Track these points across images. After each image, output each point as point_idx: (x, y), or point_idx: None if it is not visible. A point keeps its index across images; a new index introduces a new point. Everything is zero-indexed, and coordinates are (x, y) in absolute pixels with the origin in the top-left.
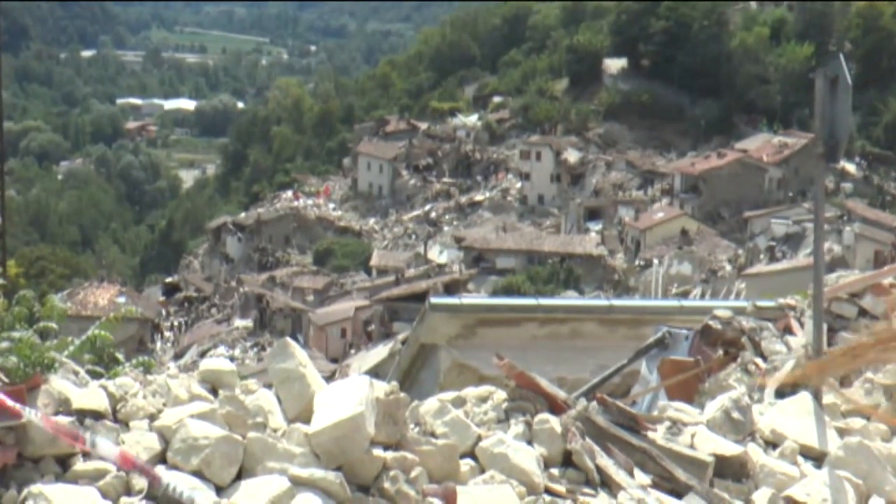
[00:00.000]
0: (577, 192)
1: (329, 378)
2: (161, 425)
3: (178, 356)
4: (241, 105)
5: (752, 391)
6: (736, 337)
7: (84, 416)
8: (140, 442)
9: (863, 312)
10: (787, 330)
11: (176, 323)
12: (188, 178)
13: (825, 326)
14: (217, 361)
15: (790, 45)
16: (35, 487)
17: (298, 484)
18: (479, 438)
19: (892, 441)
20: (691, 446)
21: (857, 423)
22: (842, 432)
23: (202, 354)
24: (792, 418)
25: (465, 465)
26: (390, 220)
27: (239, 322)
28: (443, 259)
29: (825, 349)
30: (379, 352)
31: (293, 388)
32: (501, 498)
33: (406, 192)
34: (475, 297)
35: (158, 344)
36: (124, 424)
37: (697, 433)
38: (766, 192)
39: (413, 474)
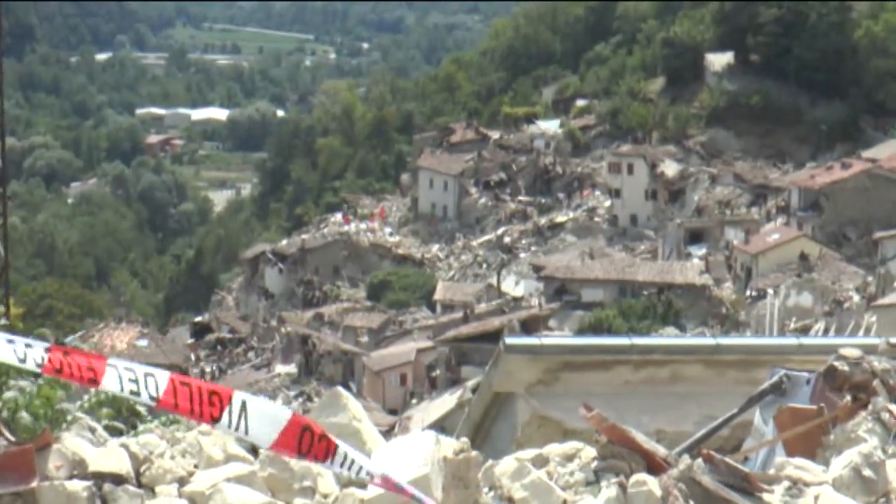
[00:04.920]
0: (676, 210)
1: (387, 433)
2: (192, 491)
3: None
4: (281, 114)
5: (886, 444)
6: (866, 380)
7: (103, 479)
8: None
9: None
10: None
11: (207, 369)
12: (220, 199)
13: None
14: None
15: None
16: None
17: None
18: None
19: None
20: None
21: None
22: None
23: None
24: None
25: None
26: (457, 247)
27: (281, 368)
28: (519, 291)
29: None
30: (445, 401)
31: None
32: None
33: (475, 214)
34: (558, 337)
35: None
36: (149, 490)
37: (822, 495)
38: None
39: None
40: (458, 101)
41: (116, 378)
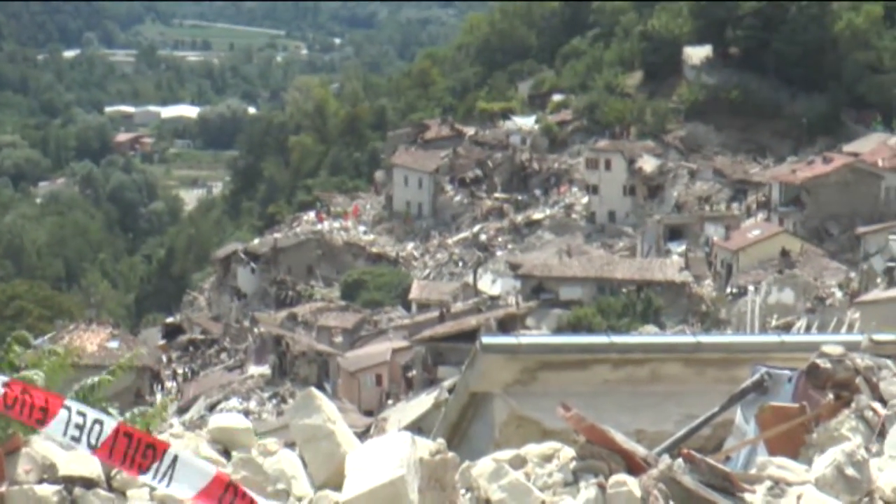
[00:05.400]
0: (655, 206)
1: (362, 435)
2: (164, 495)
3: (182, 410)
4: (252, 111)
5: (870, 442)
6: (849, 377)
7: (73, 484)
8: None
9: None
10: None
11: (179, 371)
12: (191, 198)
13: None
14: (229, 417)
15: None
16: None
17: None
18: None
19: None
20: None
21: None
22: None
23: (211, 408)
24: None
25: None
26: (432, 245)
27: (254, 369)
28: (496, 290)
29: None
30: (421, 402)
31: (321, 447)
32: None
33: (451, 211)
34: (535, 336)
35: (158, 396)
36: (120, 494)
37: (804, 494)
38: (883, 203)
39: None
40: (432, 96)
41: (64, 423)
